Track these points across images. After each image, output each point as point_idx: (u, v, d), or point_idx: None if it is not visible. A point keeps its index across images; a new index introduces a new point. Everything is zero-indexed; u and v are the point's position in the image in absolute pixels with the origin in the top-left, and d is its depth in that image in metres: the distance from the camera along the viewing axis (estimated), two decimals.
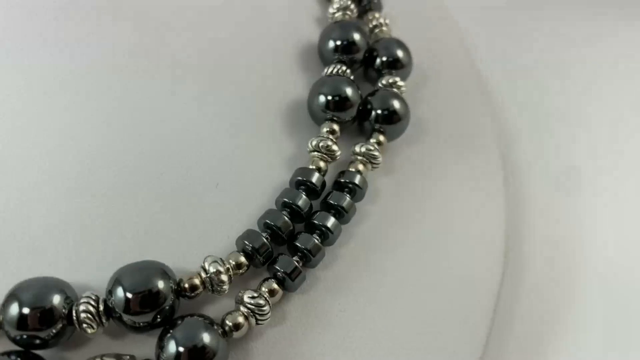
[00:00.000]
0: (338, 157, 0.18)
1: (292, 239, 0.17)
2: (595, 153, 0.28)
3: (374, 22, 0.22)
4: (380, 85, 0.21)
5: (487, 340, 0.18)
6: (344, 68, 0.20)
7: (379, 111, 0.19)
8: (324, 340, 0.17)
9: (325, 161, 0.18)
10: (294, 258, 0.16)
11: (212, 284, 0.16)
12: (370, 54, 0.21)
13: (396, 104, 0.20)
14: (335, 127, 0.19)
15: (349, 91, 0.19)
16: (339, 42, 0.20)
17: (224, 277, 0.15)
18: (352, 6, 0.22)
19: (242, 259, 0.16)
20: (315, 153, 0.18)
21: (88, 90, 0.19)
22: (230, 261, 0.16)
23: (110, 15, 0.20)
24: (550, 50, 0.33)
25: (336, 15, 0.22)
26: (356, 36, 0.21)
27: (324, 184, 0.18)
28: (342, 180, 0.18)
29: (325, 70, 0.20)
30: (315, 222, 0.17)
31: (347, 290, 0.17)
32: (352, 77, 0.20)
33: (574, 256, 0.23)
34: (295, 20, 0.22)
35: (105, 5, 0.20)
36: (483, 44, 0.32)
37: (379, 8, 0.23)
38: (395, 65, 0.21)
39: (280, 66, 0.21)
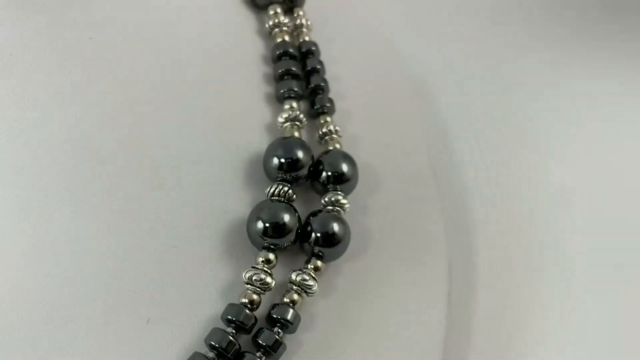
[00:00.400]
0: (272, 288, 0.18)
1: None
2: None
3: (324, 129, 0.22)
4: (323, 202, 0.20)
5: None
6: (285, 189, 0.20)
7: (319, 234, 0.19)
8: None
9: (259, 294, 0.18)
10: None
11: None
12: (316, 168, 0.21)
13: (336, 227, 0.19)
14: (271, 256, 0.19)
15: (286, 218, 0.19)
16: (282, 160, 0.20)
17: None
18: (302, 116, 0.22)
19: None
20: (249, 286, 0.18)
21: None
22: None
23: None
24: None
25: (285, 125, 0.21)
26: (300, 154, 0.20)
27: (255, 319, 0.18)
28: (274, 316, 0.18)
29: (267, 190, 0.20)
30: None
31: None
32: (294, 196, 0.20)
33: None
34: (245, 128, 0.22)
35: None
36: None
37: (331, 111, 0.23)
38: (340, 180, 0.21)
39: (226, 180, 0.20)
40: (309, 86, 0.23)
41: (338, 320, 0.19)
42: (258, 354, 0.17)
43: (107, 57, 0.21)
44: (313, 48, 0.24)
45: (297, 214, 0.19)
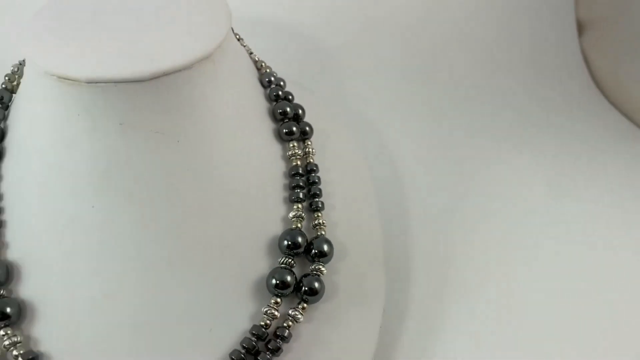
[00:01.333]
0: (278, 318, 0.31)
1: None
2: None
3: (316, 222, 0.35)
4: (310, 269, 0.33)
5: None
6: (289, 260, 0.33)
7: (306, 288, 0.32)
8: None
9: (270, 320, 0.31)
10: None
11: None
12: (309, 247, 0.34)
13: (316, 285, 0.32)
14: (279, 300, 0.32)
15: (288, 278, 0.32)
16: (289, 243, 0.33)
17: None
18: (303, 214, 0.35)
19: None
20: (265, 315, 0.31)
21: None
22: None
23: None
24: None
25: (292, 219, 0.35)
26: (299, 240, 0.33)
27: (267, 333, 0.31)
28: (278, 333, 0.31)
29: (279, 260, 0.33)
30: None
31: None
32: (294, 264, 0.33)
33: None
34: (270, 220, 0.35)
35: None
36: None
37: (322, 209, 0.36)
38: (322, 256, 0.34)
39: (257, 253, 0.34)
40: (310, 193, 0.36)
41: (315, 336, 0.32)
42: (268, 353, 0.30)
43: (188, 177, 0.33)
44: (314, 168, 0.37)
45: (294, 276, 0.32)
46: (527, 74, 0.62)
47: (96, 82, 0.30)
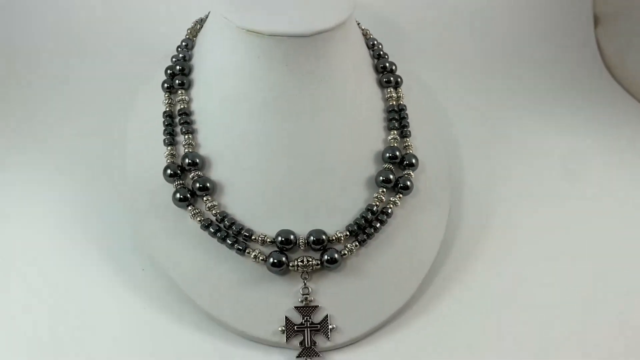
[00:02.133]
0: (384, 202, 0.46)
1: None
2: None
3: (405, 144, 0.50)
4: (404, 173, 0.48)
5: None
6: (390, 166, 0.47)
7: (401, 185, 0.47)
8: None
9: (378, 203, 0.46)
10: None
11: None
12: (402, 159, 0.48)
13: (408, 183, 0.47)
14: (385, 190, 0.46)
15: (390, 176, 0.46)
16: (390, 155, 0.48)
17: None
18: (398, 138, 0.49)
19: None
20: (375, 199, 0.46)
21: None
22: None
23: None
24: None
25: (390, 140, 0.49)
26: (397, 153, 0.48)
27: (377, 209, 0.46)
28: (383, 212, 0.46)
29: (383, 165, 0.48)
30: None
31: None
32: (393, 169, 0.48)
33: None
34: (377, 141, 0.49)
35: None
36: None
37: (409, 136, 0.50)
38: (411, 166, 0.48)
39: (369, 161, 0.48)
40: (401, 124, 0.50)
41: (406, 219, 0.47)
42: (377, 223, 0.45)
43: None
44: (404, 108, 0.51)
45: (395, 176, 0.47)
46: (551, 61, 0.76)
47: (275, 35, 0.44)
